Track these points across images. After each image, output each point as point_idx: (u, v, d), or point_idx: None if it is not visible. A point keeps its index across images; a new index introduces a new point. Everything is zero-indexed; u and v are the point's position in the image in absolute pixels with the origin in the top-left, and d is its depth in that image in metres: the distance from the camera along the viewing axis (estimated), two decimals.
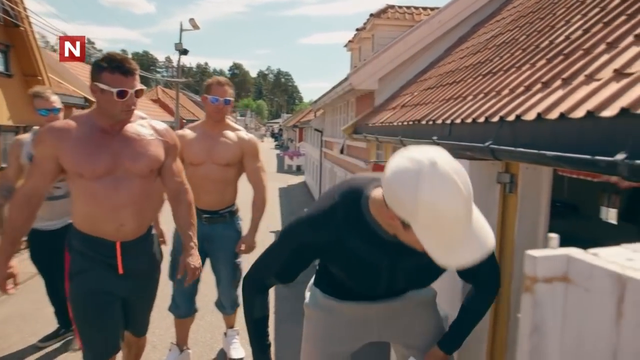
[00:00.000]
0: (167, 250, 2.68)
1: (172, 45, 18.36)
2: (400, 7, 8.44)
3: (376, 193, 1.29)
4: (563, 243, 0.71)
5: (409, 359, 1.78)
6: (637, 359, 0.54)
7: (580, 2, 2.84)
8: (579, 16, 2.63)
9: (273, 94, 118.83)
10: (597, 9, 2.48)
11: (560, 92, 1.75)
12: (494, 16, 5.34)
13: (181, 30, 18.33)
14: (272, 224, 9.99)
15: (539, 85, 2.00)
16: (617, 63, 1.64)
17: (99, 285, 2.04)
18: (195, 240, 2.23)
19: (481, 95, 2.55)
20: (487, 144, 1.96)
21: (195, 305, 3.19)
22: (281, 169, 24.16)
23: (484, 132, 2.08)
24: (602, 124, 1.35)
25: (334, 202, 1.36)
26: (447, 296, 2.12)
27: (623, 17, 2.09)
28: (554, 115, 1.59)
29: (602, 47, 1.91)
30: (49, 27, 13.80)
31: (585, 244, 0.77)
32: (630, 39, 1.79)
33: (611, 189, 4.12)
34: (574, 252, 0.65)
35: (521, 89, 2.13)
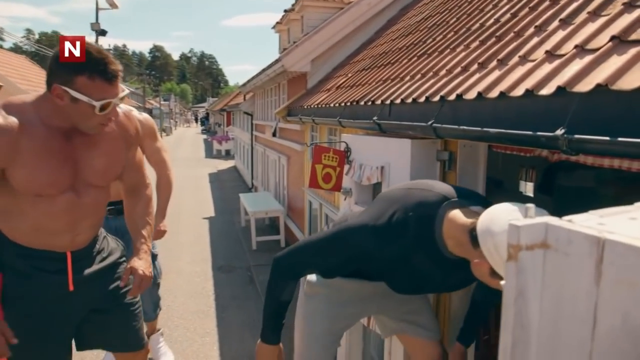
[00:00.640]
0: None
1: (84, 25, 17.26)
2: None
3: (455, 217, 1.31)
4: None
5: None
6: (615, 314, 0.59)
7: None
8: (505, 0, 2.77)
9: (197, 77, 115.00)
10: None
11: (497, 73, 1.84)
12: None
13: (97, 9, 17.13)
14: (205, 210, 9.77)
15: (475, 66, 2.09)
16: (548, 45, 1.75)
17: (44, 310, 1.68)
18: (150, 243, 1.91)
19: (419, 76, 2.63)
20: (429, 122, 2.03)
21: (158, 310, 3.04)
22: (210, 154, 23.60)
23: (425, 111, 2.15)
24: (541, 102, 1.44)
25: (405, 217, 1.33)
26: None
27: (547, 2, 2.23)
28: (494, 94, 1.67)
29: (532, 30, 2.03)
30: None
31: None
32: (556, 23, 1.92)
33: (529, 164, 4.42)
34: (551, 219, 0.69)
35: (458, 69, 2.22)
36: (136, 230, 1.90)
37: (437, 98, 2.07)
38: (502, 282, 0.71)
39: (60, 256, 1.69)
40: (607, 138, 1.16)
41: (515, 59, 1.85)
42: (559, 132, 1.30)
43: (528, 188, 5.00)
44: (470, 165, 2.31)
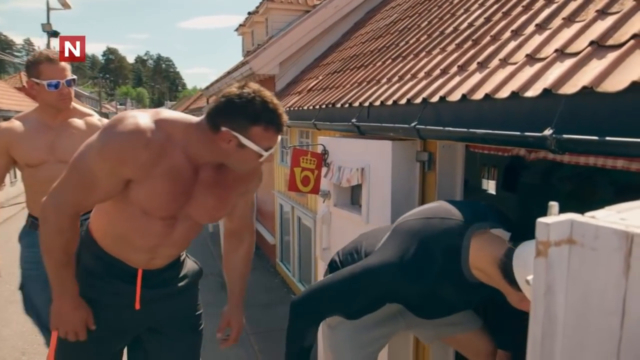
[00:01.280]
0: None
1: (32, 26, 16.57)
2: None
3: (482, 249, 1.33)
4: None
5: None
6: None
7: None
8: (476, 5, 2.86)
9: (154, 80, 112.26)
10: (492, 0, 2.72)
11: (478, 75, 1.90)
12: (388, 3, 5.58)
13: (48, 9, 16.48)
14: None
15: (455, 69, 2.15)
16: (527, 49, 1.82)
17: (107, 315, 1.65)
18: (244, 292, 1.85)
19: (396, 78, 2.68)
20: (412, 124, 2.07)
21: None
22: None
23: (406, 113, 2.19)
24: (527, 103, 1.50)
25: (431, 251, 1.33)
26: None
27: (520, 8, 2.31)
28: (478, 95, 1.73)
29: (508, 34, 2.11)
30: None
31: None
32: (532, 27, 2.00)
33: (490, 163, 4.54)
34: (575, 216, 0.72)
35: (437, 71, 2.28)
36: (234, 275, 1.84)
37: (419, 100, 2.11)
38: (529, 278, 0.74)
39: (132, 271, 1.65)
40: (596, 138, 1.22)
41: (496, 61, 1.91)
42: (547, 132, 1.36)
43: (490, 186, 5.17)
44: (448, 165, 2.37)
